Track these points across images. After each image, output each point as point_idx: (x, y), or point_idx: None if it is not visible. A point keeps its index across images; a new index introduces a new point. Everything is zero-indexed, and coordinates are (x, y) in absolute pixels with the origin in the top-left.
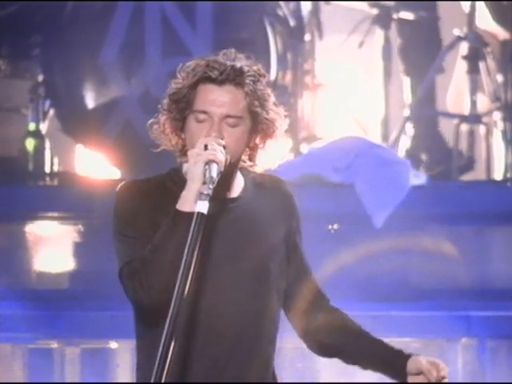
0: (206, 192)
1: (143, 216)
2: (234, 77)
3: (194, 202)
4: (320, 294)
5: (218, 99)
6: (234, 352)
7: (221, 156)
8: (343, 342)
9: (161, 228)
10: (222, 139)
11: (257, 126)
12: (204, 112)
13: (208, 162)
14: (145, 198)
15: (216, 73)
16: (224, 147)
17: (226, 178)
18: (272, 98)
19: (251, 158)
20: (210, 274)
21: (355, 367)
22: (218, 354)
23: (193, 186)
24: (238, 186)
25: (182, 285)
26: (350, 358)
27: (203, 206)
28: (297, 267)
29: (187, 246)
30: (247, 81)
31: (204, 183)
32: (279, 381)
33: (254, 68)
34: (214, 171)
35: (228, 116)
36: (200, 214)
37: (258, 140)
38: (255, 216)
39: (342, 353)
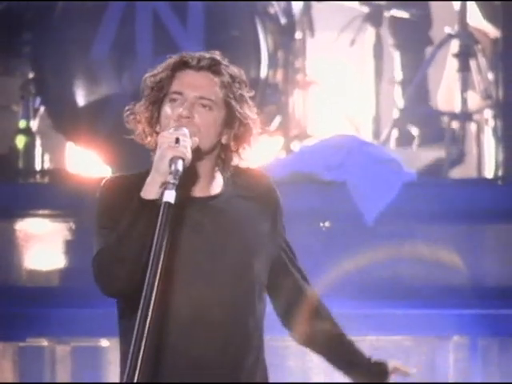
0: (172, 181)
1: (120, 210)
2: (211, 64)
3: (157, 190)
4: (312, 297)
5: (193, 82)
6: (216, 349)
7: (189, 150)
8: (330, 354)
9: (125, 216)
10: (192, 118)
11: (231, 121)
12: (178, 93)
13: (173, 158)
14: (124, 193)
15: (194, 59)
16: (192, 133)
17: (204, 174)
18: (251, 106)
19: (225, 161)
20: (191, 271)
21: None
22: (199, 351)
23: (157, 176)
24: (217, 183)
25: (153, 276)
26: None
27: (170, 196)
28: (290, 267)
29: (155, 236)
30: (224, 71)
31: (170, 173)
32: (269, 375)
33: (235, 70)
34: (180, 166)
35: (202, 97)
36: (167, 204)
37: (231, 141)
38: (236, 213)
39: (327, 359)
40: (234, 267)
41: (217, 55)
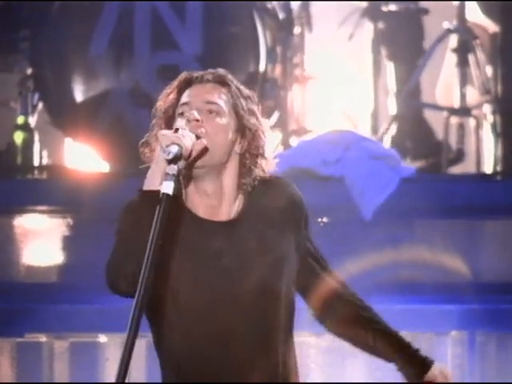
0: (171, 172)
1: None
2: (216, 77)
3: (158, 182)
4: (339, 289)
5: (199, 92)
6: (243, 365)
7: (187, 141)
8: (363, 339)
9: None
10: (201, 121)
11: (242, 130)
12: (185, 104)
13: (170, 145)
14: (144, 216)
15: (198, 75)
16: (197, 137)
17: (227, 191)
18: (261, 122)
19: (250, 175)
20: (214, 296)
21: (346, 362)
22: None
23: (155, 167)
24: (240, 200)
25: (148, 267)
26: (370, 352)
27: (168, 187)
28: (311, 267)
29: (152, 228)
30: (230, 83)
31: (169, 163)
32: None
33: (246, 90)
34: (174, 149)
35: (208, 102)
36: (165, 195)
37: (246, 150)
38: (260, 234)
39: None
40: (259, 292)
41: (223, 72)
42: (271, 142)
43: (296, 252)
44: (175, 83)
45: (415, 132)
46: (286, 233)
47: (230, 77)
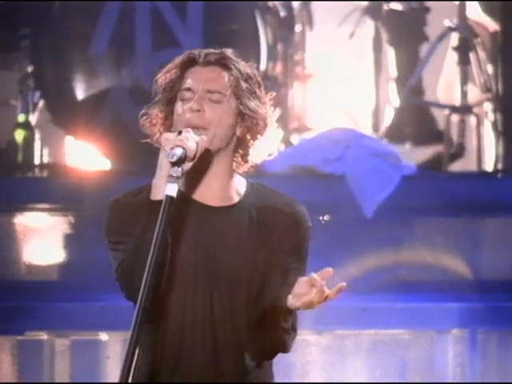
0: (174, 174)
1: (129, 223)
2: (219, 58)
3: (164, 189)
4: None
5: (201, 77)
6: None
7: (191, 144)
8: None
9: (138, 223)
10: (203, 111)
11: (243, 113)
12: (188, 89)
13: (174, 148)
14: (131, 209)
15: (202, 55)
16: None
17: (223, 176)
18: (262, 103)
19: (243, 157)
20: (191, 277)
21: (347, 361)
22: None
23: (161, 172)
24: (237, 191)
25: (152, 269)
26: None
27: (172, 189)
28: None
29: (156, 229)
30: (232, 66)
31: (173, 166)
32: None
33: (247, 68)
34: (179, 152)
35: (210, 91)
36: (169, 197)
37: (247, 134)
38: (245, 226)
39: None
40: (222, 280)
41: (227, 52)
42: (273, 131)
43: (264, 263)
44: (178, 60)
45: (417, 119)
46: (262, 241)
47: (233, 58)
